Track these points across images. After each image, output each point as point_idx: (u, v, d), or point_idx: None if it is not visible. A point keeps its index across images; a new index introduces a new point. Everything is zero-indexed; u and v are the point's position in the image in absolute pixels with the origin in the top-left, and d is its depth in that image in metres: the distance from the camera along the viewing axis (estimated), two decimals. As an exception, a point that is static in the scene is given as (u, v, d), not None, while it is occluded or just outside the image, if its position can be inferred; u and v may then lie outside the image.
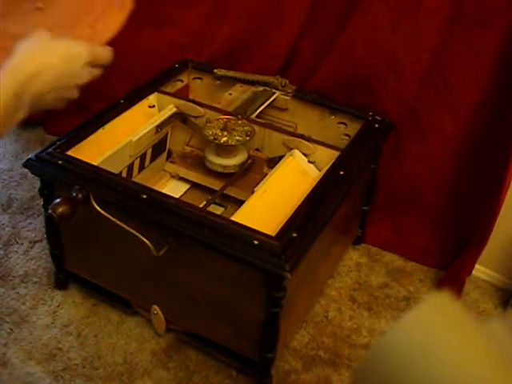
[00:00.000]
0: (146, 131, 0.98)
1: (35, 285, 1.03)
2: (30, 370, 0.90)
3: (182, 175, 1.02)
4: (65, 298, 1.01)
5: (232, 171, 0.98)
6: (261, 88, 1.08)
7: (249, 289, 0.80)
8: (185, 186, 1.02)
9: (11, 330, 0.96)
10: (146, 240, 0.79)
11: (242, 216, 0.81)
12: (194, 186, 1.01)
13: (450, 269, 1.07)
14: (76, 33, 0.74)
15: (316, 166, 0.98)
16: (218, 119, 1.01)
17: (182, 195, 0.99)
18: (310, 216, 0.80)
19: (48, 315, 0.98)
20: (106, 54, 0.75)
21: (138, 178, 0.95)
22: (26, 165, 0.87)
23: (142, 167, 1.02)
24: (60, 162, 0.86)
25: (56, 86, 0.70)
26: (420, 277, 1.11)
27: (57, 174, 0.85)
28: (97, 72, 0.75)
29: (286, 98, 1.07)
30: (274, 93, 1.07)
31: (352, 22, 1.02)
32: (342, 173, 0.88)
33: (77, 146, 0.90)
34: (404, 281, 1.09)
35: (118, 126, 0.95)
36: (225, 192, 0.96)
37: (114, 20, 0.80)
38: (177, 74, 1.11)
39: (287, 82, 1.08)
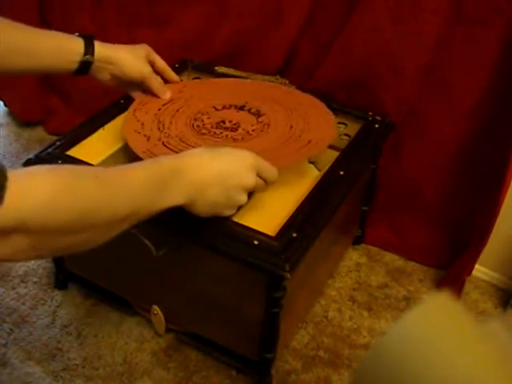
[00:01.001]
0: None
1: (35, 285, 1.03)
2: (30, 370, 0.90)
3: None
4: (65, 298, 1.01)
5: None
6: (261, 88, 1.09)
7: (249, 289, 0.80)
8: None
9: (11, 330, 0.96)
10: (145, 240, 0.79)
11: (241, 216, 0.81)
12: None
13: (450, 269, 1.07)
14: None
15: (316, 166, 0.98)
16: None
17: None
18: (310, 216, 0.80)
19: (48, 315, 0.98)
20: (272, 172, 0.76)
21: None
22: (26, 165, 0.87)
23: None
24: (60, 161, 0.86)
25: (220, 182, 0.70)
26: (420, 277, 1.11)
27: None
28: (262, 183, 0.75)
29: (286, 98, 1.07)
30: (274, 93, 1.08)
31: (352, 22, 1.02)
32: (341, 173, 0.88)
33: (77, 146, 0.90)
34: (404, 281, 1.09)
35: (118, 125, 0.95)
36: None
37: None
38: (176, 73, 1.11)
39: (287, 81, 1.08)
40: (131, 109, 0.95)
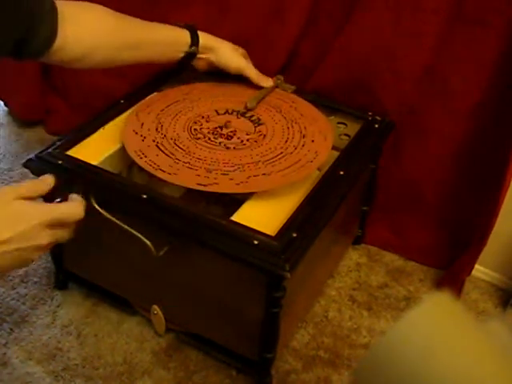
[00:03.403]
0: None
1: (35, 285, 1.03)
2: (30, 370, 0.90)
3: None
4: (65, 298, 1.01)
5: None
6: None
7: (249, 289, 0.80)
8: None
9: (11, 329, 0.96)
10: (146, 240, 0.79)
11: (242, 216, 0.81)
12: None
13: (450, 269, 1.07)
14: None
15: (316, 166, 0.98)
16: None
17: (182, 195, 0.99)
18: (310, 216, 0.80)
19: (48, 315, 0.98)
20: (72, 215, 0.68)
21: (138, 178, 0.95)
22: (26, 165, 0.87)
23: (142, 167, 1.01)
24: (60, 161, 0.85)
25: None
26: (420, 277, 1.11)
27: (57, 174, 0.85)
28: (61, 234, 0.67)
29: (286, 98, 1.07)
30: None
31: (352, 22, 1.02)
32: (341, 173, 0.88)
33: (77, 146, 0.90)
34: (404, 281, 1.09)
35: (118, 125, 0.95)
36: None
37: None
38: (177, 73, 1.11)
39: (282, 78, 1.08)
40: (136, 109, 0.97)
